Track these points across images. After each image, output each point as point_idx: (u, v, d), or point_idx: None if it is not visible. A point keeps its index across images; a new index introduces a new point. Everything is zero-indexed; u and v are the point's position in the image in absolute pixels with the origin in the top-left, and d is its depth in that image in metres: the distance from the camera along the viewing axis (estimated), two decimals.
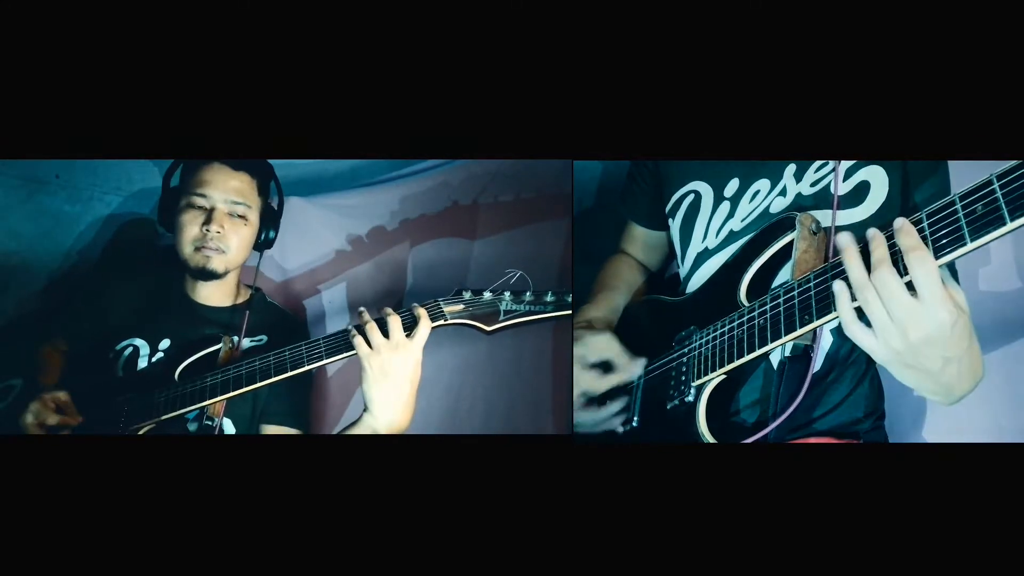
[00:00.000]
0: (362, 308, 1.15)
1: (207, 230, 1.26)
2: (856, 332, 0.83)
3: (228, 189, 1.28)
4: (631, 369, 1.14)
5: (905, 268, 0.78)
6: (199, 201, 1.28)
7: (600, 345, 1.16)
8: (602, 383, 1.14)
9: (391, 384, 1.09)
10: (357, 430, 1.12)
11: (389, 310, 1.12)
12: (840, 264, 0.86)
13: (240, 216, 1.29)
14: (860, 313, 0.83)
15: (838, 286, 0.84)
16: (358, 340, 1.10)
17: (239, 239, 1.30)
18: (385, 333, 1.10)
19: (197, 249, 1.27)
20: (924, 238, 0.78)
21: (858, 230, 0.85)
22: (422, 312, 1.12)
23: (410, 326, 1.11)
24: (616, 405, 1.14)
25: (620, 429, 1.13)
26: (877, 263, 0.80)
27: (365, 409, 1.11)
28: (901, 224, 0.79)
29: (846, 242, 0.83)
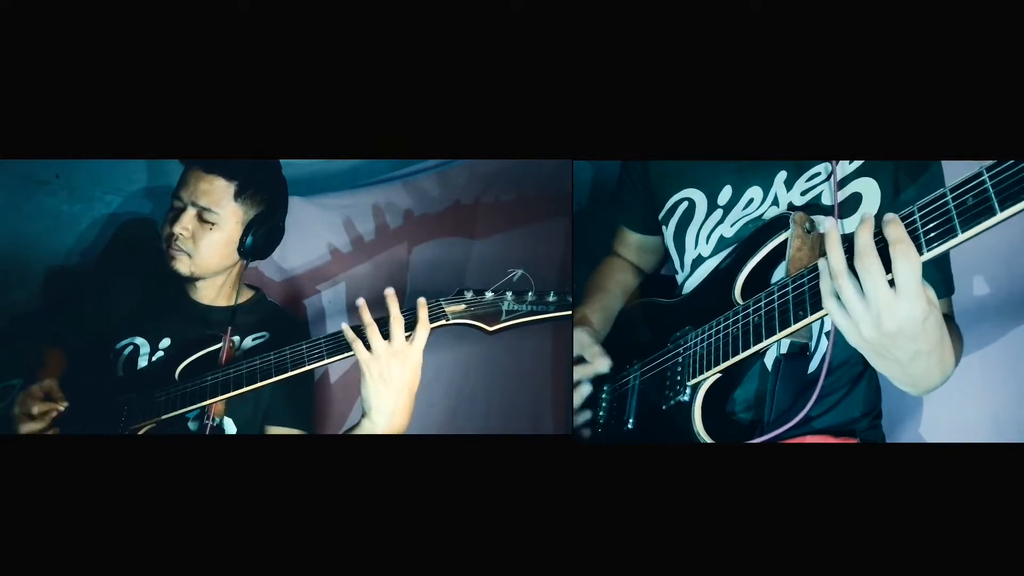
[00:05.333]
0: (360, 301, 1.10)
1: (172, 231, 1.26)
2: (832, 308, 0.83)
3: (197, 192, 1.27)
4: (597, 363, 1.16)
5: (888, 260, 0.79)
6: (176, 203, 1.28)
7: (574, 336, 1.19)
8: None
9: (390, 390, 1.08)
10: (357, 432, 1.11)
11: (395, 310, 1.09)
12: None
13: (207, 221, 1.27)
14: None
15: (822, 263, 0.84)
16: (357, 344, 1.08)
17: (207, 244, 1.28)
18: (385, 335, 1.08)
19: (167, 249, 1.28)
20: (914, 232, 0.78)
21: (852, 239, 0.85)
22: (422, 314, 1.09)
23: (410, 327, 1.09)
24: (578, 398, 1.16)
25: (586, 433, 1.16)
26: (863, 249, 0.80)
27: (364, 414, 1.10)
28: (891, 217, 0.79)
29: (830, 226, 0.84)
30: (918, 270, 0.77)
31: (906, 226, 0.78)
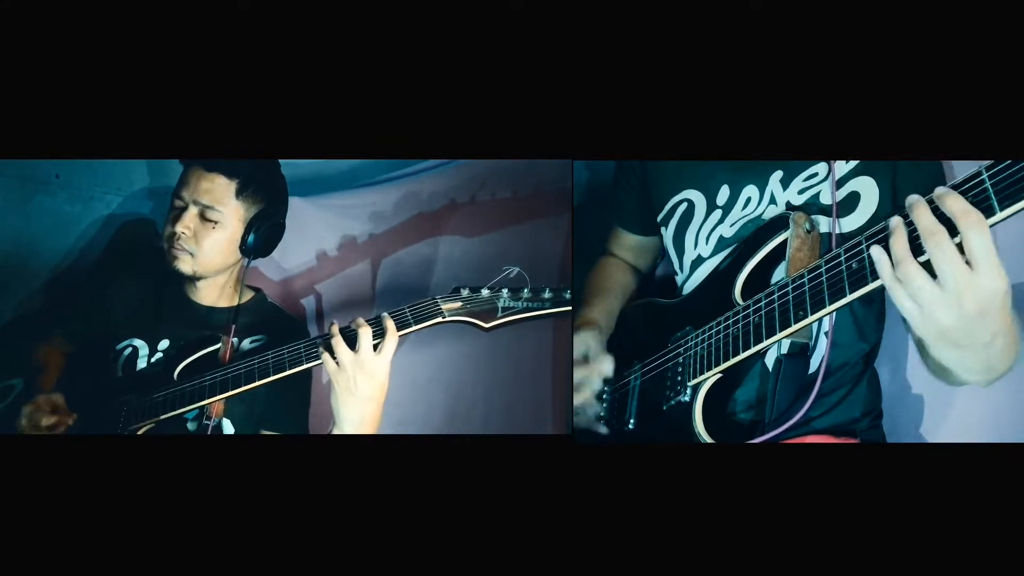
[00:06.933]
0: (333, 321, 1.11)
1: (174, 231, 1.26)
2: (900, 298, 0.77)
3: (198, 191, 1.27)
4: (601, 363, 1.15)
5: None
6: (177, 202, 1.28)
7: (581, 337, 1.19)
8: (575, 374, 1.16)
9: (356, 401, 1.08)
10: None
11: (361, 321, 1.09)
12: (831, 259, 0.87)
13: (209, 220, 1.27)
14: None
15: (877, 251, 0.79)
16: (325, 356, 1.09)
17: (210, 243, 1.28)
18: (353, 346, 1.07)
19: (169, 248, 1.28)
20: (983, 194, 0.73)
21: (853, 238, 0.85)
22: (389, 324, 1.09)
23: (379, 336, 1.09)
24: (583, 396, 1.16)
25: (604, 429, 1.16)
26: (931, 227, 0.74)
27: (333, 422, 1.11)
28: (945, 191, 0.74)
29: (895, 223, 0.78)
30: (991, 241, 0.72)
31: (974, 187, 0.74)
